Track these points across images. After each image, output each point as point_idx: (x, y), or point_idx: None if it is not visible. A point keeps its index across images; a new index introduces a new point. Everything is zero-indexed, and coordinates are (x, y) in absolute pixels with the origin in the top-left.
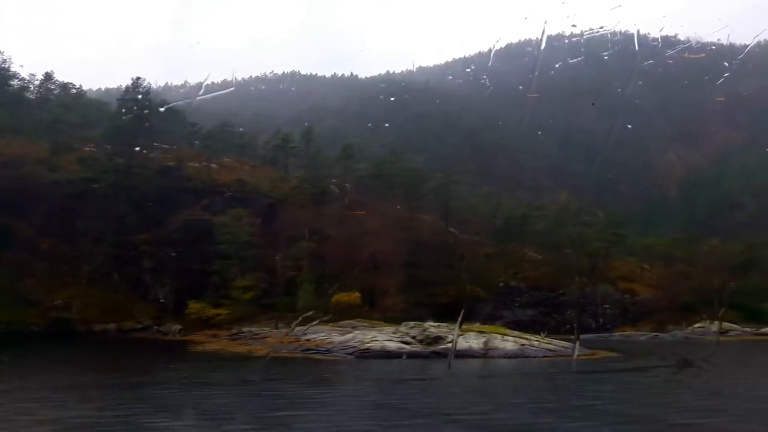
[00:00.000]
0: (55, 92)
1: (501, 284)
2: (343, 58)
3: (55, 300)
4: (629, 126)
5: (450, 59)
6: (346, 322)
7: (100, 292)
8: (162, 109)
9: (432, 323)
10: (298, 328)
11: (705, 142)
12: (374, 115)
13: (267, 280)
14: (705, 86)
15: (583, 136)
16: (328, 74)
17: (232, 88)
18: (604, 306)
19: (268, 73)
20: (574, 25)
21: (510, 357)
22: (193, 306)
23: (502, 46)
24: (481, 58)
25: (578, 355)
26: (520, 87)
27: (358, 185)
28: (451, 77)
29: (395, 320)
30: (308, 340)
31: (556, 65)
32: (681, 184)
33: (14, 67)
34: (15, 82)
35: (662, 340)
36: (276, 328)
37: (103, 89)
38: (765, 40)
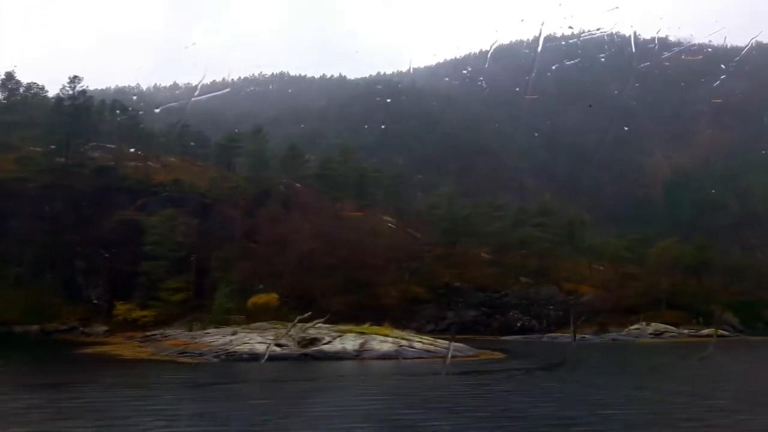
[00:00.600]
0: (20, 92)
1: (445, 285)
2: (341, 59)
3: None
4: (626, 128)
5: (442, 60)
6: (258, 324)
7: (25, 293)
8: (157, 110)
9: (321, 323)
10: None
11: (693, 143)
12: (357, 116)
13: (197, 282)
14: (694, 88)
15: (570, 137)
16: (317, 75)
17: (228, 90)
18: (548, 307)
19: (256, 74)
20: (570, 27)
21: (384, 358)
22: (120, 307)
23: (499, 47)
24: (474, 59)
25: (461, 357)
26: (517, 89)
27: (307, 185)
28: (447, 79)
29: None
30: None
31: (553, 67)
32: (666, 185)
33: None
34: None
35: (587, 342)
36: (190, 330)
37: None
38: (754, 42)
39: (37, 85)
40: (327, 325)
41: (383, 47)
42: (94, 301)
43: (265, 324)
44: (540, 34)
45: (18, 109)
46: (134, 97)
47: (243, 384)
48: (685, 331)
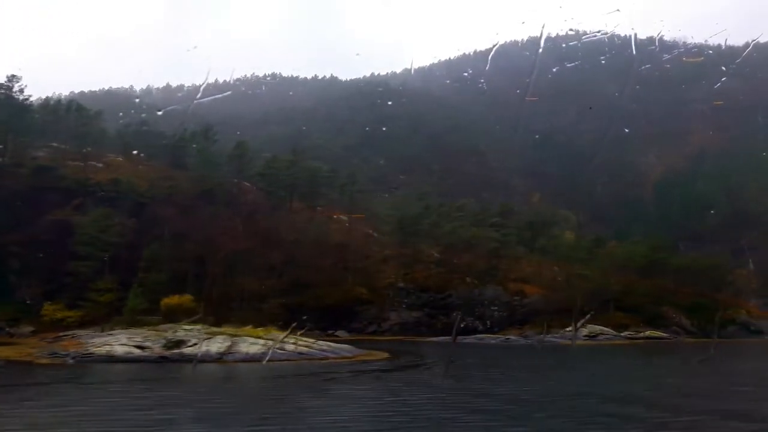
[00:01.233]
0: None
1: (389, 285)
2: (342, 60)
3: None
4: (626, 130)
5: (436, 61)
6: (169, 325)
7: None
8: (160, 113)
9: (187, 325)
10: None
11: (686, 143)
12: (343, 116)
13: (128, 282)
14: (690, 89)
15: (565, 138)
16: (309, 76)
17: (229, 92)
18: (492, 308)
19: (248, 75)
20: (571, 29)
21: (248, 361)
22: (48, 308)
23: (498, 48)
24: (470, 60)
25: (334, 359)
26: (518, 90)
27: (257, 185)
28: (448, 81)
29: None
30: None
31: (554, 69)
32: (657, 185)
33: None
34: None
35: (511, 344)
36: (102, 331)
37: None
38: (749, 43)
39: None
40: (198, 326)
41: (383, 48)
42: (27, 302)
43: (171, 325)
44: (541, 36)
45: None
46: (137, 100)
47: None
48: (622, 334)
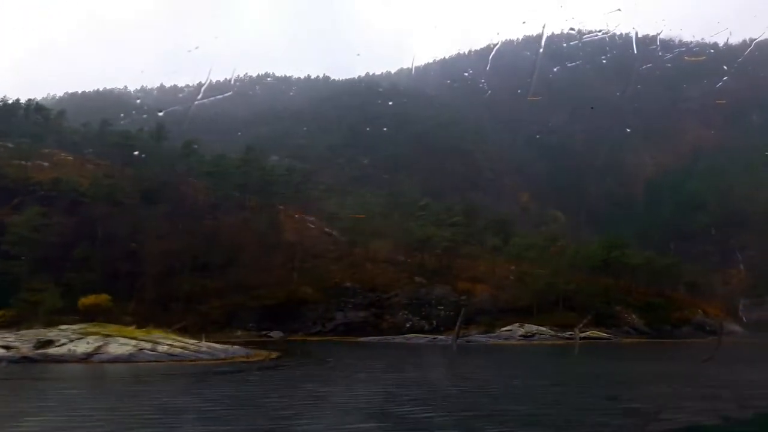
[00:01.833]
0: None
1: (335, 285)
2: (342, 59)
3: None
4: (627, 130)
5: (431, 60)
6: (79, 326)
7: None
8: (160, 114)
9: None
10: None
11: (679, 142)
12: (330, 116)
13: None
14: (685, 88)
15: (556, 138)
16: (302, 76)
17: (230, 93)
18: (439, 307)
19: (241, 75)
20: (572, 29)
21: (116, 362)
22: None
23: (490, 48)
24: (464, 60)
25: (207, 360)
26: (518, 90)
27: (208, 184)
28: (449, 81)
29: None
30: None
31: (555, 69)
32: (648, 184)
33: None
34: None
35: (437, 343)
36: (18, 331)
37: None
38: (746, 41)
39: None
40: (74, 327)
41: (384, 49)
42: None
43: (84, 326)
44: (542, 36)
45: None
46: (138, 101)
47: None
48: (565, 334)
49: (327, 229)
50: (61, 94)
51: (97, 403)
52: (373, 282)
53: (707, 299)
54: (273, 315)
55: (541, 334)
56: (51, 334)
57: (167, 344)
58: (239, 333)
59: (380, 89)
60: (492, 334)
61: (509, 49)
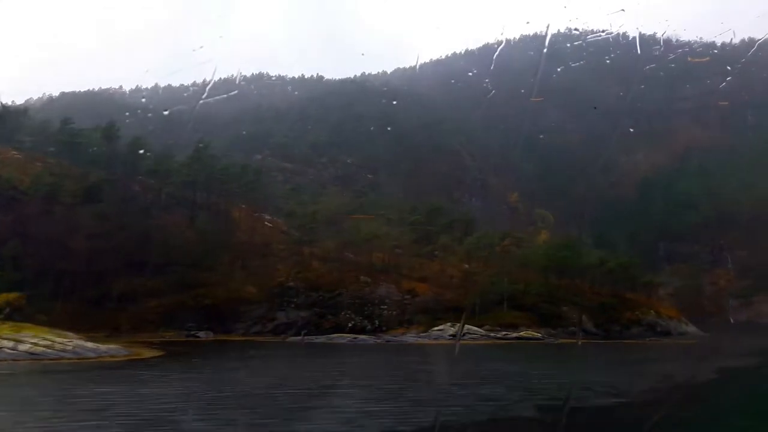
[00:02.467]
0: None
1: (279, 285)
2: (343, 59)
3: None
4: (631, 129)
5: (430, 60)
6: None
7: None
8: (166, 113)
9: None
10: None
11: (674, 142)
12: (316, 115)
13: None
14: (679, 87)
15: (549, 138)
16: (297, 75)
17: (236, 92)
18: (381, 307)
19: (234, 74)
20: (576, 29)
21: None
22: None
23: (484, 46)
24: (459, 60)
25: (87, 358)
26: (521, 90)
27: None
28: (453, 81)
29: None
30: None
31: (559, 69)
32: (639, 184)
33: None
34: None
35: (357, 343)
36: None
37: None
38: (741, 40)
39: None
40: None
41: (385, 48)
42: None
43: None
44: (546, 35)
45: None
46: (143, 99)
47: None
48: (491, 334)
49: (285, 229)
50: (64, 92)
51: None
52: (317, 281)
53: (664, 300)
54: (213, 315)
55: (471, 333)
56: None
57: (31, 343)
58: (168, 333)
59: (370, 89)
60: (423, 334)
61: (507, 49)
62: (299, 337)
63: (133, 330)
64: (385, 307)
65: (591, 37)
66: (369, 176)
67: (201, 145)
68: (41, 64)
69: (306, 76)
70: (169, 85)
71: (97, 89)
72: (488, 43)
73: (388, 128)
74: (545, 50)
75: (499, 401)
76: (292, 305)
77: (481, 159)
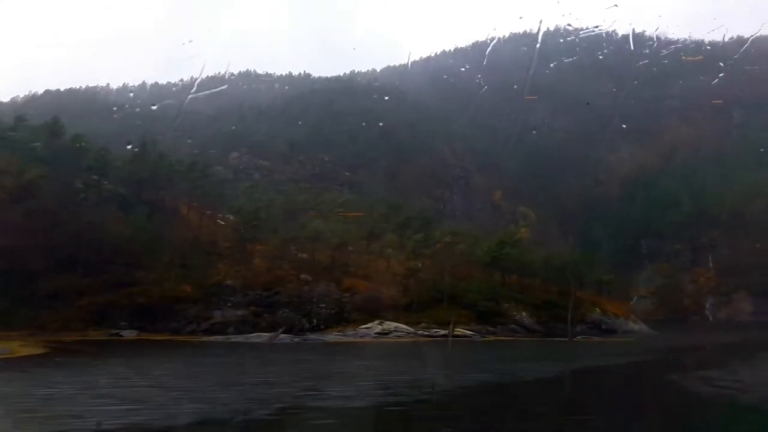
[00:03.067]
0: None
1: (216, 283)
2: (343, 57)
3: None
4: (624, 126)
5: (414, 59)
6: None
7: None
8: (154, 107)
9: None
10: None
11: (659, 140)
12: (295, 113)
13: None
14: (666, 85)
15: (535, 135)
16: (284, 73)
17: (225, 87)
18: (320, 305)
19: (222, 71)
20: (569, 25)
21: None
22: None
23: (476, 44)
24: (448, 57)
25: None
26: (515, 87)
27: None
28: (446, 76)
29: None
30: None
31: (551, 65)
32: (623, 182)
33: None
34: None
35: (278, 342)
36: None
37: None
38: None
39: None
40: None
41: (378, 46)
42: None
43: None
44: (538, 32)
45: None
46: (131, 95)
47: None
48: (419, 331)
49: (238, 227)
50: (49, 90)
51: None
52: (255, 280)
53: (615, 298)
54: (147, 314)
55: (398, 331)
56: None
57: None
58: (97, 332)
59: (356, 87)
60: (349, 333)
61: (498, 46)
62: (269, 335)
63: (61, 329)
64: (324, 305)
65: (583, 33)
66: (347, 174)
67: (146, 141)
68: (32, 62)
69: (294, 74)
70: (156, 83)
71: (84, 87)
72: (479, 40)
73: (369, 125)
74: (537, 46)
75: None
76: (229, 304)
77: (465, 157)
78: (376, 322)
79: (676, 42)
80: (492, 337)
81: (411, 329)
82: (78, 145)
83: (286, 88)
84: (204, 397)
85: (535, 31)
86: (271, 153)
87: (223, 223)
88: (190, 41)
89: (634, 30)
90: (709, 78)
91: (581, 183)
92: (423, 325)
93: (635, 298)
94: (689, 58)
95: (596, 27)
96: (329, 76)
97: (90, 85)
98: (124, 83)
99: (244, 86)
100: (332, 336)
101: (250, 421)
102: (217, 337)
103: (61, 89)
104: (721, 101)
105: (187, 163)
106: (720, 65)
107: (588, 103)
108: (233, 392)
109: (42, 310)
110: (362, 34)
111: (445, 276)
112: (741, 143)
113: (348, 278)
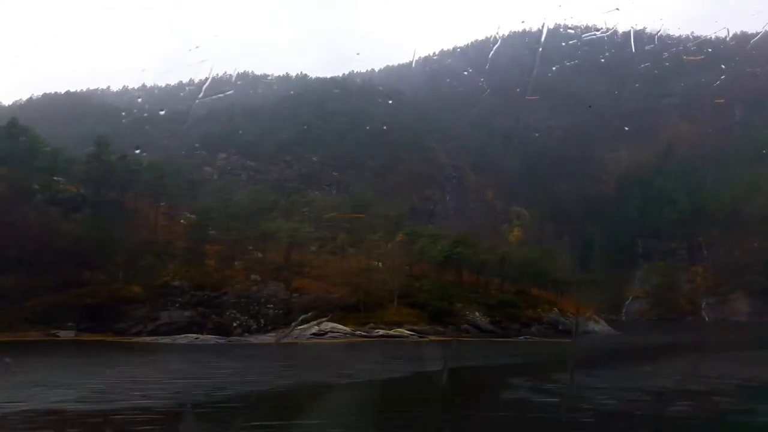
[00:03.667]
0: None
1: (164, 284)
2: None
3: None
4: (626, 128)
5: (420, 57)
6: None
7: None
8: (162, 112)
9: None
10: None
11: (658, 139)
12: (285, 113)
13: None
14: (665, 84)
15: (534, 135)
16: (282, 74)
17: (231, 91)
18: (268, 306)
19: (219, 74)
20: (571, 28)
21: None
22: None
23: (474, 44)
24: (446, 58)
25: None
26: (517, 89)
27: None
28: (446, 78)
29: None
30: None
31: (554, 68)
32: (619, 181)
33: None
34: None
35: (197, 343)
36: None
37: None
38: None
39: None
40: None
41: (382, 48)
42: None
43: None
44: (542, 33)
45: None
46: (139, 99)
47: None
48: (358, 332)
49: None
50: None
51: None
52: (204, 280)
53: (574, 297)
54: (95, 315)
55: (334, 332)
56: None
57: None
58: (34, 332)
59: (350, 87)
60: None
61: (496, 47)
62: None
63: (6, 329)
64: (272, 306)
65: (585, 36)
66: (334, 174)
67: (100, 142)
68: (31, 63)
69: (292, 75)
70: (156, 85)
71: (84, 90)
72: (478, 39)
73: (360, 125)
74: (540, 49)
75: None
76: (177, 305)
77: (460, 156)
78: (314, 323)
79: (678, 42)
80: (433, 337)
81: (348, 330)
82: (44, 147)
83: (275, 88)
84: None
85: (534, 30)
86: (259, 153)
87: (184, 223)
88: (197, 47)
89: (635, 30)
90: (710, 76)
91: (578, 182)
92: (370, 325)
93: (630, 298)
94: (691, 58)
95: (598, 30)
96: (327, 77)
97: (90, 88)
98: (124, 86)
99: (250, 89)
100: (264, 337)
101: None
102: (158, 338)
103: (60, 92)
104: (723, 100)
105: (146, 163)
106: (722, 67)
107: (590, 106)
108: None
109: None
110: (363, 35)
111: (395, 275)
112: (742, 141)
113: (300, 279)
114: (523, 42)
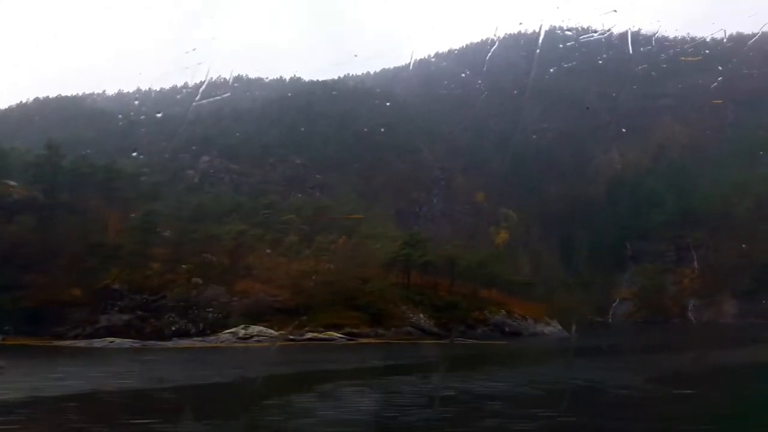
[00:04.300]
0: None
1: (104, 287)
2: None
3: None
4: (624, 130)
5: (415, 60)
6: None
7: None
8: (159, 115)
9: None
10: None
11: (651, 139)
12: (271, 116)
13: None
14: (658, 84)
15: (526, 137)
16: (276, 77)
17: (228, 94)
18: (207, 309)
19: (214, 77)
20: (568, 30)
21: None
22: None
23: (470, 45)
24: (442, 59)
25: None
26: (515, 92)
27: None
28: (443, 80)
29: None
30: None
31: (552, 70)
32: (609, 183)
33: None
34: None
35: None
36: None
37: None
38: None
39: None
40: None
41: (381, 50)
42: None
43: None
44: (539, 36)
45: None
46: (136, 102)
47: None
48: (291, 336)
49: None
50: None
51: None
52: (143, 283)
53: (527, 299)
54: (33, 318)
55: (260, 335)
56: None
57: None
58: None
59: (342, 89)
60: (210, 338)
61: (483, 49)
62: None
63: None
64: (211, 309)
65: (583, 38)
66: (318, 177)
67: (49, 144)
68: (32, 64)
69: (285, 78)
70: (150, 89)
71: (80, 94)
72: (474, 42)
73: (346, 128)
74: (537, 51)
75: None
76: (116, 308)
77: (449, 159)
78: (241, 326)
79: (675, 43)
80: (370, 340)
81: (275, 333)
82: None
83: (267, 91)
84: None
85: (530, 32)
86: (242, 156)
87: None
88: (194, 49)
89: (632, 32)
90: (706, 77)
91: (569, 184)
92: (307, 328)
93: (617, 300)
94: (688, 59)
95: (595, 31)
96: (321, 79)
97: (86, 92)
98: (119, 90)
99: (246, 92)
100: (186, 341)
101: None
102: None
103: (50, 96)
104: (720, 101)
105: (99, 165)
106: (719, 68)
107: (588, 108)
108: None
109: None
110: (361, 37)
111: (341, 277)
112: (734, 142)
113: (245, 281)
114: (519, 44)
